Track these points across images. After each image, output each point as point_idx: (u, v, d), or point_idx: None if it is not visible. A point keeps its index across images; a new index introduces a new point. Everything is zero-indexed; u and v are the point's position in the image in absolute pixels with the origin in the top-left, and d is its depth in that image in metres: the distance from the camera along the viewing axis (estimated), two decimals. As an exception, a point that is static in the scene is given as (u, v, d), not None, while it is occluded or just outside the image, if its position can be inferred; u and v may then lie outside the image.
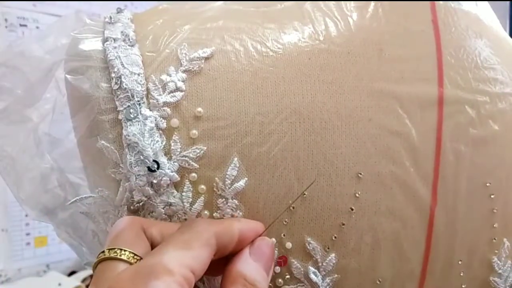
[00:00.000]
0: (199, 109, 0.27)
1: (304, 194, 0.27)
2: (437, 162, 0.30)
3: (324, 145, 0.28)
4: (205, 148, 0.27)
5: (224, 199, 0.27)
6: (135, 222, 0.25)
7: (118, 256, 0.23)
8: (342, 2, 0.31)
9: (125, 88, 0.26)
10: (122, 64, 0.27)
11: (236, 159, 0.27)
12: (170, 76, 0.27)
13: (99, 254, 0.23)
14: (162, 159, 0.26)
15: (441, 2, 0.33)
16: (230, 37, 0.29)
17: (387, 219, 0.29)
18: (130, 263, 0.23)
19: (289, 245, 0.28)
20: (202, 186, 0.27)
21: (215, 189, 0.27)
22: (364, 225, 0.28)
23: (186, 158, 0.26)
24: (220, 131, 0.27)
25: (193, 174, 0.27)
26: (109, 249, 0.23)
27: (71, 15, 0.31)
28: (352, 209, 0.28)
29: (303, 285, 0.28)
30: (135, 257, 0.23)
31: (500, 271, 0.32)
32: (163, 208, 0.26)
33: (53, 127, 0.32)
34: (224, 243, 0.24)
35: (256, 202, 0.27)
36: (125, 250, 0.23)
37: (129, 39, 0.28)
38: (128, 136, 0.26)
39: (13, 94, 0.31)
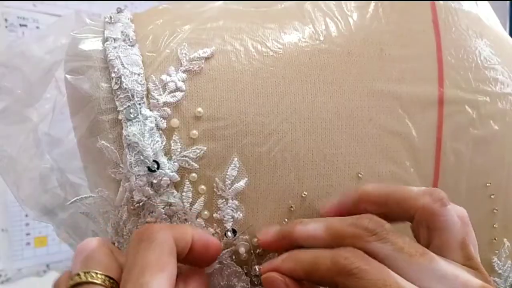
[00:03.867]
0: (199, 109, 0.27)
1: (304, 194, 0.27)
2: (437, 162, 0.30)
3: (324, 145, 0.28)
4: (205, 148, 0.27)
5: (224, 200, 0.27)
6: (105, 243, 0.25)
7: (94, 280, 0.22)
8: (343, 2, 0.31)
9: (125, 88, 0.26)
10: (122, 64, 0.27)
11: (236, 159, 0.27)
12: (170, 76, 0.27)
13: (74, 276, 0.23)
14: (162, 159, 0.26)
15: (441, 2, 0.33)
16: (230, 37, 0.29)
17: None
18: (103, 285, 0.22)
19: (289, 245, 0.28)
20: (202, 187, 0.27)
21: (215, 189, 0.27)
22: (364, 225, 0.28)
23: (186, 158, 0.26)
24: (220, 131, 0.27)
25: (193, 174, 0.27)
26: (85, 272, 0.23)
27: (71, 15, 0.31)
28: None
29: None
30: (110, 280, 0.23)
31: (500, 271, 0.32)
32: (163, 208, 0.26)
33: (53, 127, 0.32)
34: (179, 248, 0.24)
35: (256, 202, 0.27)
36: (100, 274, 0.23)
37: (129, 39, 0.28)
38: (128, 136, 0.26)
39: (13, 94, 0.31)
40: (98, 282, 0.22)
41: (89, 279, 0.22)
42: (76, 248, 0.25)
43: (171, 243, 0.23)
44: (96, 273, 0.23)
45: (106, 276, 0.23)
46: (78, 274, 0.23)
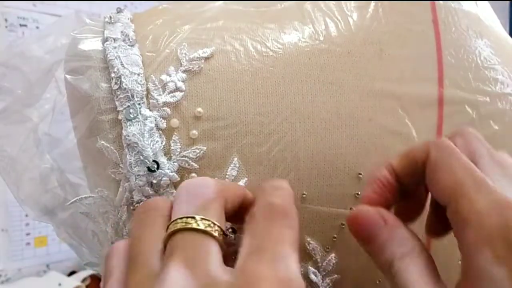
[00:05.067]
0: (199, 109, 0.27)
1: (304, 194, 0.27)
2: (437, 162, 0.30)
3: (324, 145, 0.28)
4: (205, 148, 0.27)
5: (224, 199, 0.27)
6: (223, 194, 0.22)
7: (213, 232, 0.19)
8: (342, 2, 0.31)
9: (125, 88, 0.26)
10: (122, 64, 0.27)
11: (236, 159, 0.27)
12: (170, 76, 0.27)
13: (187, 218, 0.19)
14: (162, 159, 0.26)
15: (441, 2, 0.33)
16: (230, 37, 0.29)
17: (387, 219, 0.29)
18: (219, 242, 0.20)
19: (289, 245, 0.28)
20: (202, 186, 0.27)
21: (215, 189, 0.27)
22: (364, 225, 0.28)
23: (186, 158, 0.26)
24: (220, 131, 0.27)
25: (193, 174, 0.27)
26: (203, 219, 0.19)
27: (71, 15, 0.31)
28: (352, 210, 0.28)
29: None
30: (222, 236, 0.20)
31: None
32: (163, 208, 0.26)
33: (53, 127, 0.32)
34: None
35: (256, 202, 0.27)
36: (218, 226, 0.20)
37: (129, 39, 0.28)
38: (128, 136, 0.26)
39: (13, 94, 0.31)
40: (216, 235, 0.19)
41: (208, 229, 0.19)
42: (186, 186, 0.22)
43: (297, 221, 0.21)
44: (215, 225, 0.19)
45: (222, 230, 0.20)
46: (194, 218, 0.19)
